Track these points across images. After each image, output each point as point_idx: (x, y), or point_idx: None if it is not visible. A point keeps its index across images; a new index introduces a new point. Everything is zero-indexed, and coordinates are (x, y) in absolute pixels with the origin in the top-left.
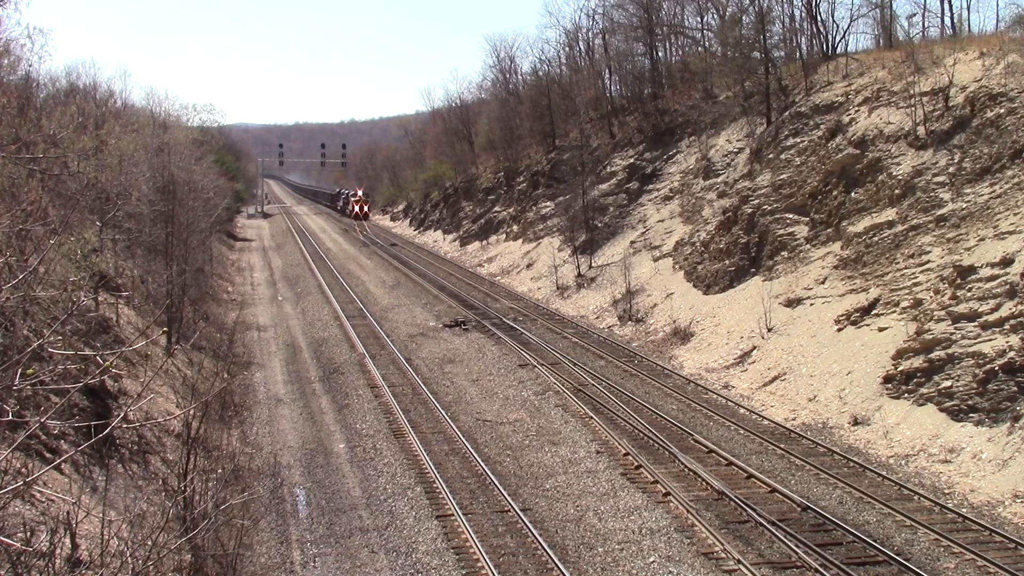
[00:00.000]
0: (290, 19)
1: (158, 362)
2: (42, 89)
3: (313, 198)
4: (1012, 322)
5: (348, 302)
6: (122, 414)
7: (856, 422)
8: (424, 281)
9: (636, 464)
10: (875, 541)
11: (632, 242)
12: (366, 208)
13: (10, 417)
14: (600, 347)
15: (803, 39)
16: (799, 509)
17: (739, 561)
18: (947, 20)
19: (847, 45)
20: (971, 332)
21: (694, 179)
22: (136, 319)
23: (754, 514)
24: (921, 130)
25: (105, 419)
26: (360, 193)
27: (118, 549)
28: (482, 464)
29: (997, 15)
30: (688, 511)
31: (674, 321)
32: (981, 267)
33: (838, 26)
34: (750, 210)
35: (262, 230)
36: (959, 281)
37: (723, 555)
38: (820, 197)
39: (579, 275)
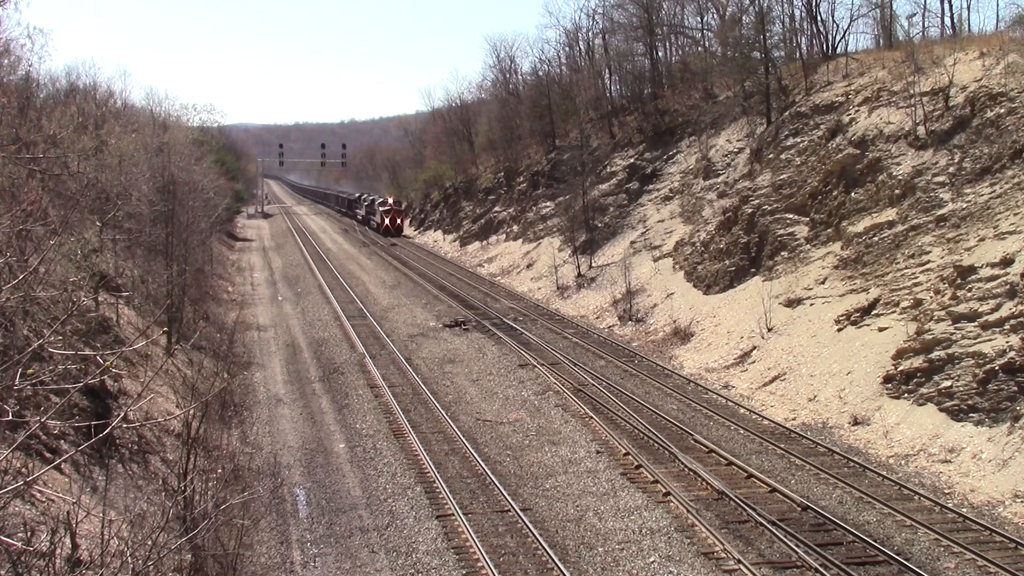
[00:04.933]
0: (290, 19)
1: (158, 362)
2: (42, 89)
3: (319, 200)
4: (1012, 322)
5: (348, 302)
6: (122, 414)
7: (856, 422)
8: (424, 281)
9: (636, 464)
10: (875, 541)
11: (632, 242)
12: (399, 221)
13: (10, 417)
14: (600, 347)
15: (803, 39)
16: (799, 509)
17: (739, 561)
18: (947, 20)
19: (847, 45)
20: (971, 332)
21: (694, 179)
22: (136, 319)
23: (754, 514)
24: (921, 130)
25: (105, 419)
26: (391, 201)
27: (118, 549)
28: (482, 464)
29: (997, 15)
30: (688, 511)
31: (674, 321)
32: (981, 267)
33: (838, 26)
34: (750, 210)
35: (262, 230)
36: (959, 281)
37: (723, 555)
38: (820, 197)
39: (579, 275)
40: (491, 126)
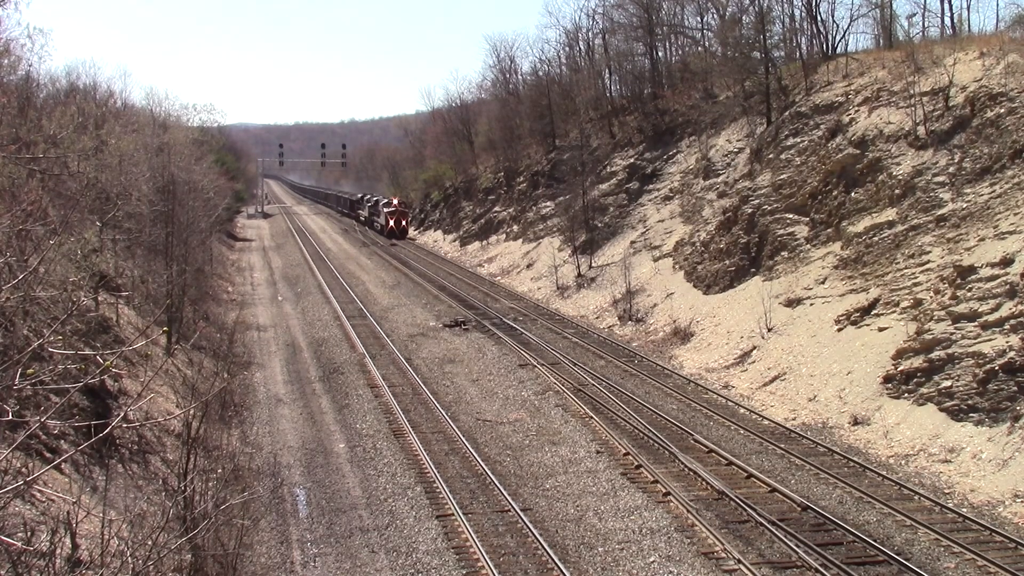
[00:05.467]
0: (290, 19)
1: (158, 362)
2: (42, 89)
3: (320, 200)
4: (1012, 322)
5: (348, 302)
6: (122, 414)
7: (856, 422)
8: (424, 281)
9: (636, 464)
10: (875, 541)
11: (632, 242)
12: (404, 223)
13: (10, 417)
14: (600, 347)
15: (803, 39)
16: (799, 509)
17: (739, 561)
18: (947, 20)
19: (847, 45)
20: (971, 332)
21: (694, 179)
22: (136, 319)
23: (754, 514)
24: (921, 130)
25: (105, 419)
26: (396, 202)
27: (118, 549)
28: (482, 464)
29: (997, 15)
30: (688, 511)
31: (674, 321)
32: (981, 267)
33: (838, 26)
34: (750, 210)
35: (262, 230)
36: (959, 281)
37: (723, 555)
38: (820, 197)
39: (579, 275)
40: (491, 126)
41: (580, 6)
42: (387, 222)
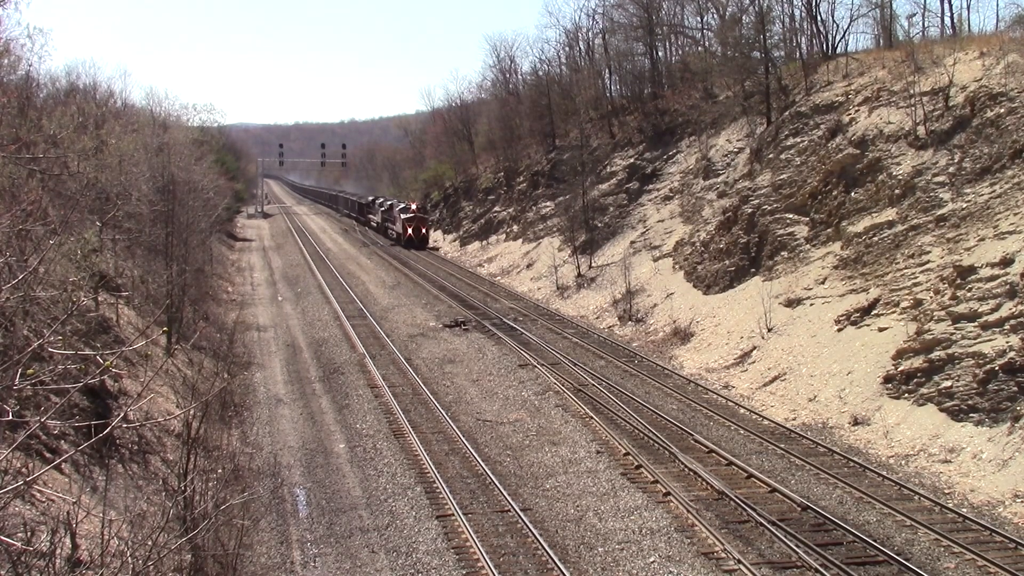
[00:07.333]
0: (290, 19)
1: (158, 362)
2: (42, 89)
3: (322, 201)
4: (1012, 322)
5: (348, 302)
6: (122, 414)
7: (856, 422)
8: (424, 281)
9: (636, 464)
10: (875, 541)
11: (632, 242)
12: (424, 230)
13: (10, 417)
14: (600, 347)
15: (803, 39)
16: (799, 509)
17: (739, 561)
18: (947, 20)
19: (847, 45)
20: (971, 332)
21: (694, 179)
22: (136, 319)
23: (754, 514)
24: (921, 130)
25: (105, 419)
26: (415, 207)
27: (118, 549)
28: (482, 464)
29: (997, 15)
30: (688, 511)
31: (674, 321)
32: (981, 267)
33: (838, 26)
34: (750, 210)
35: (262, 230)
36: (959, 281)
37: (723, 555)
38: (820, 197)
39: (579, 275)
40: (491, 126)
41: (580, 6)
42: (405, 229)
